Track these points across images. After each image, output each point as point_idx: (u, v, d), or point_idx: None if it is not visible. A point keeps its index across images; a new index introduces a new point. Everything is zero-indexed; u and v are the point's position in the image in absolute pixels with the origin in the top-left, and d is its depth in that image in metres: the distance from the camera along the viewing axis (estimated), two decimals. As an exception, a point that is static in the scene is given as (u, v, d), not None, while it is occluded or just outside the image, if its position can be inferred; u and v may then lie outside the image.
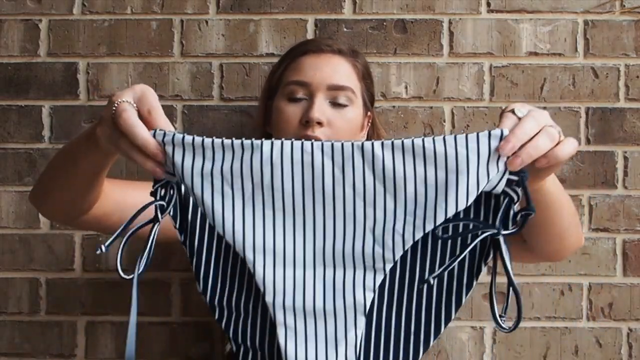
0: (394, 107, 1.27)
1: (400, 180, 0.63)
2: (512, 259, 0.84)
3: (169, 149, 0.64)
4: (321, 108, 0.97)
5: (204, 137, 0.65)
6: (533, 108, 0.67)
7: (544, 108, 1.26)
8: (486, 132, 0.62)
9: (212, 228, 0.72)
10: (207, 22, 1.28)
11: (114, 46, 1.28)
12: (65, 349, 1.27)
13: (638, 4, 1.27)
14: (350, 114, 1.01)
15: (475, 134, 0.63)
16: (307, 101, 0.99)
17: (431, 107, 1.27)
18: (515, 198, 0.64)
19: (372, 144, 0.64)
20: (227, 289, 0.74)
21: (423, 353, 0.69)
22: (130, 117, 0.64)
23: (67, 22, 1.28)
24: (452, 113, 1.27)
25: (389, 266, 0.65)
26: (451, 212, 0.63)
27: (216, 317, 0.74)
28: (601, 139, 1.27)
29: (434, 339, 0.69)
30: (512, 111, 0.66)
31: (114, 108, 0.66)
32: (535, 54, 1.27)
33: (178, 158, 0.64)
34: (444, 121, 1.27)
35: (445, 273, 0.69)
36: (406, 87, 1.27)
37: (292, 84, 1.00)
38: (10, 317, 1.27)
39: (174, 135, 0.64)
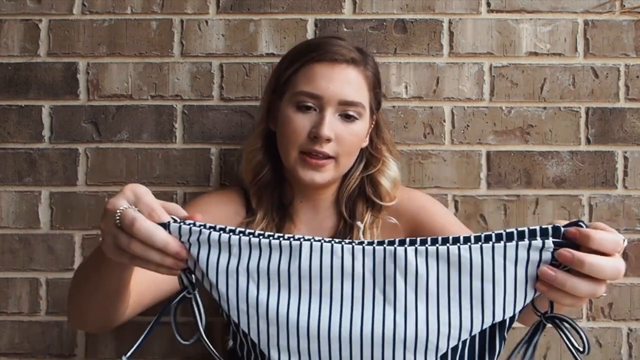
0: (394, 107, 1.27)
1: (433, 289, 0.63)
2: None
3: (194, 249, 0.65)
4: (331, 125, 0.98)
5: (228, 233, 0.65)
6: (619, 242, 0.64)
7: (544, 108, 1.27)
8: (526, 242, 0.61)
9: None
10: (207, 22, 1.28)
11: (114, 46, 1.28)
12: (65, 349, 1.27)
13: (638, 4, 1.26)
14: (358, 127, 1.02)
15: (514, 243, 0.62)
16: (316, 112, 0.99)
17: (431, 107, 1.27)
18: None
19: (406, 250, 0.63)
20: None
21: None
22: (143, 224, 0.63)
23: (67, 22, 1.28)
24: (452, 113, 1.27)
25: None
26: (488, 324, 0.63)
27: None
28: (601, 139, 1.27)
29: None
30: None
31: (117, 218, 0.65)
32: (535, 54, 1.27)
33: (203, 254, 0.65)
34: (444, 121, 1.27)
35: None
36: (406, 87, 1.27)
37: (303, 94, 0.99)
38: (10, 317, 1.27)
39: (190, 228, 0.64)
